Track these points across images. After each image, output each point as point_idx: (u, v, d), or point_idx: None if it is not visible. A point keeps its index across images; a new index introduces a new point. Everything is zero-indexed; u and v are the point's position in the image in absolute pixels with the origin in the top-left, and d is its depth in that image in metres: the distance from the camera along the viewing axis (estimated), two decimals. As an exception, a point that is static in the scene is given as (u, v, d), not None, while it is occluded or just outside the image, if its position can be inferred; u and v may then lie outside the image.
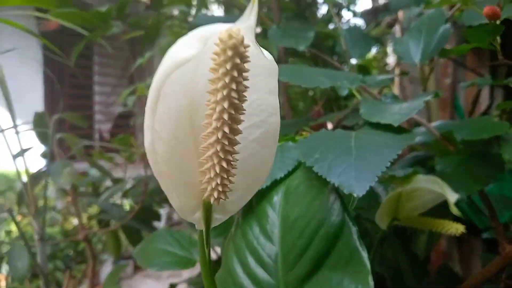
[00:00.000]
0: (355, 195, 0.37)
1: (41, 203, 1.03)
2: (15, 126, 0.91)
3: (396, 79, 1.94)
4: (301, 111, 1.71)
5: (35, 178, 1.04)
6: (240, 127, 0.27)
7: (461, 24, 0.66)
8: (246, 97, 0.24)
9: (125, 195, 1.24)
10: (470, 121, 0.64)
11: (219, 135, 0.24)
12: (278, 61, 1.04)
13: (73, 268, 3.20)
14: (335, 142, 0.45)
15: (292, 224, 0.44)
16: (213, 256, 1.07)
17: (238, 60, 0.22)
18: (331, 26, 1.40)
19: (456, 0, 0.57)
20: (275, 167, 0.48)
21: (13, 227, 2.37)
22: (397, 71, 1.72)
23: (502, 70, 1.47)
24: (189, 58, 0.22)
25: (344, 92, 0.57)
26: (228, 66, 0.22)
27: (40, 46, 3.54)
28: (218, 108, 0.23)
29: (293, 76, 0.61)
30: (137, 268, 3.77)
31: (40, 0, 0.86)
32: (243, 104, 0.24)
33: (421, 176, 0.63)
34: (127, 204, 1.30)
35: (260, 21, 0.98)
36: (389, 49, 2.45)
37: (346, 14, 1.84)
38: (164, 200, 1.36)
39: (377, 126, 0.48)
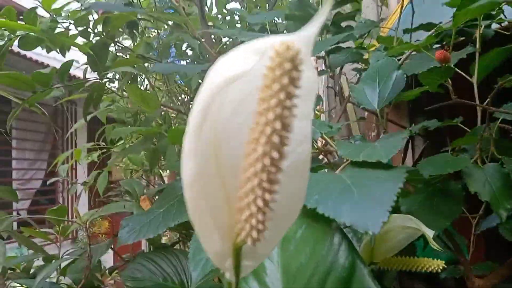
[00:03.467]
0: (370, 232, 0.35)
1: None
2: None
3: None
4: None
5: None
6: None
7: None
8: (295, 117, 0.22)
9: (63, 273, 1.10)
10: (431, 160, 0.67)
11: (266, 162, 0.22)
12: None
13: None
14: (329, 182, 0.44)
15: (295, 274, 0.41)
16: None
17: (295, 74, 0.20)
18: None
19: (410, 46, 0.62)
20: (266, 215, 0.45)
21: None
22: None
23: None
24: (245, 73, 0.20)
25: (317, 136, 0.58)
26: (285, 81, 0.20)
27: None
28: (268, 130, 0.21)
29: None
30: None
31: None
32: (291, 126, 0.22)
33: (396, 215, 0.64)
34: (64, 284, 1.15)
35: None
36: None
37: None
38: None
39: (362, 164, 0.48)
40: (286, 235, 0.44)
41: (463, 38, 0.89)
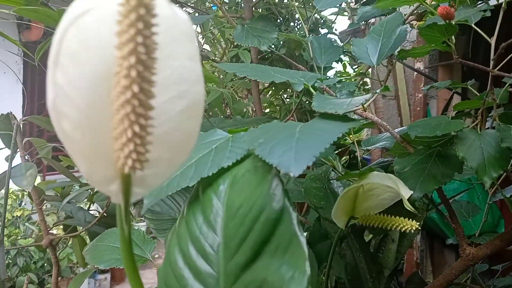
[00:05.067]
0: (291, 174, 0.36)
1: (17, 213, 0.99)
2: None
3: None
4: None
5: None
6: (161, 97, 0.26)
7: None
8: (156, 54, 0.23)
9: (90, 199, 1.21)
10: (426, 120, 0.64)
11: (129, 94, 0.24)
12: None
13: (48, 281, 3.11)
14: (282, 130, 0.45)
15: (235, 212, 0.43)
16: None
17: (142, 11, 0.21)
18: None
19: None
20: (223, 156, 0.47)
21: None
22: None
23: (475, 86, 1.51)
24: (90, 9, 0.22)
25: (299, 88, 0.57)
26: (133, 17, 0.21)
27: (21, 56, 3.50)
28: (125, 64, 0.23)
29: (251, 72, 0.61)
30: (113, 281, 3.68)
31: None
32: (155, 64, 0.23)
33: (376, 172, 0.63)
34: (94, 210, 1.27)
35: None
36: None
37: (322, 31, 1.86)
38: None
39: (326, 116, 0.49)
40: (236, 177, 0.46)
41: None
